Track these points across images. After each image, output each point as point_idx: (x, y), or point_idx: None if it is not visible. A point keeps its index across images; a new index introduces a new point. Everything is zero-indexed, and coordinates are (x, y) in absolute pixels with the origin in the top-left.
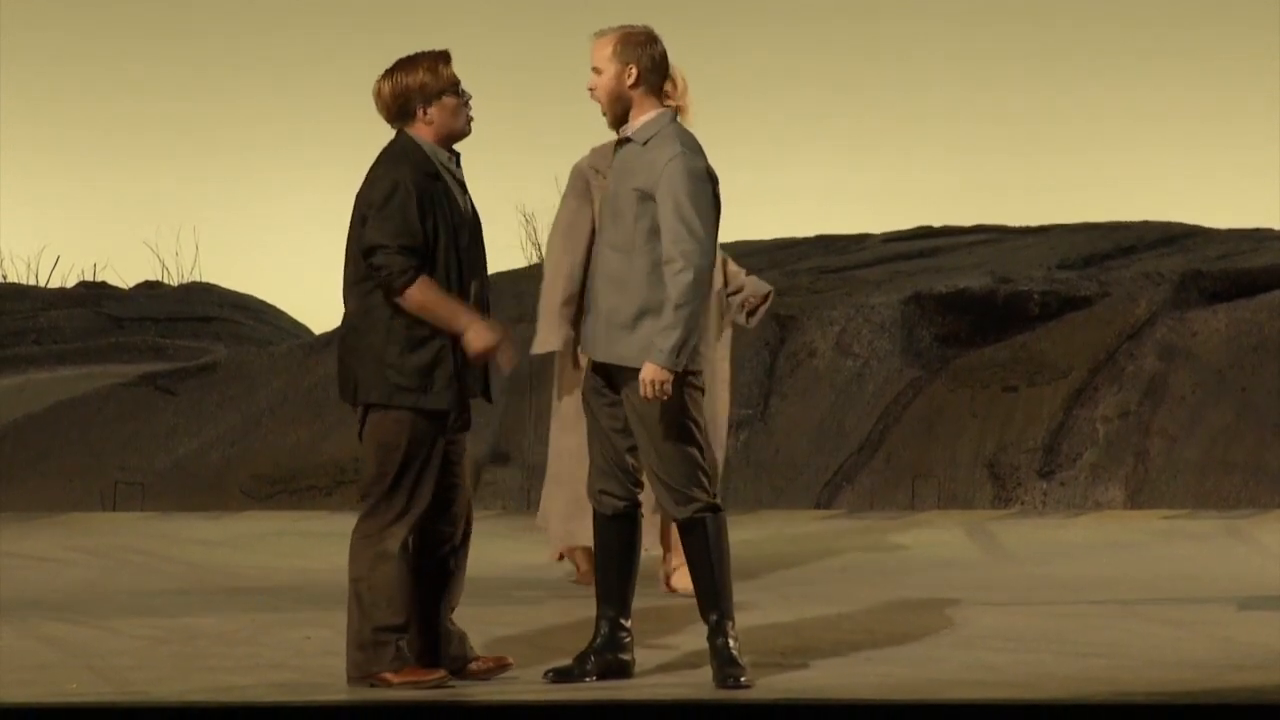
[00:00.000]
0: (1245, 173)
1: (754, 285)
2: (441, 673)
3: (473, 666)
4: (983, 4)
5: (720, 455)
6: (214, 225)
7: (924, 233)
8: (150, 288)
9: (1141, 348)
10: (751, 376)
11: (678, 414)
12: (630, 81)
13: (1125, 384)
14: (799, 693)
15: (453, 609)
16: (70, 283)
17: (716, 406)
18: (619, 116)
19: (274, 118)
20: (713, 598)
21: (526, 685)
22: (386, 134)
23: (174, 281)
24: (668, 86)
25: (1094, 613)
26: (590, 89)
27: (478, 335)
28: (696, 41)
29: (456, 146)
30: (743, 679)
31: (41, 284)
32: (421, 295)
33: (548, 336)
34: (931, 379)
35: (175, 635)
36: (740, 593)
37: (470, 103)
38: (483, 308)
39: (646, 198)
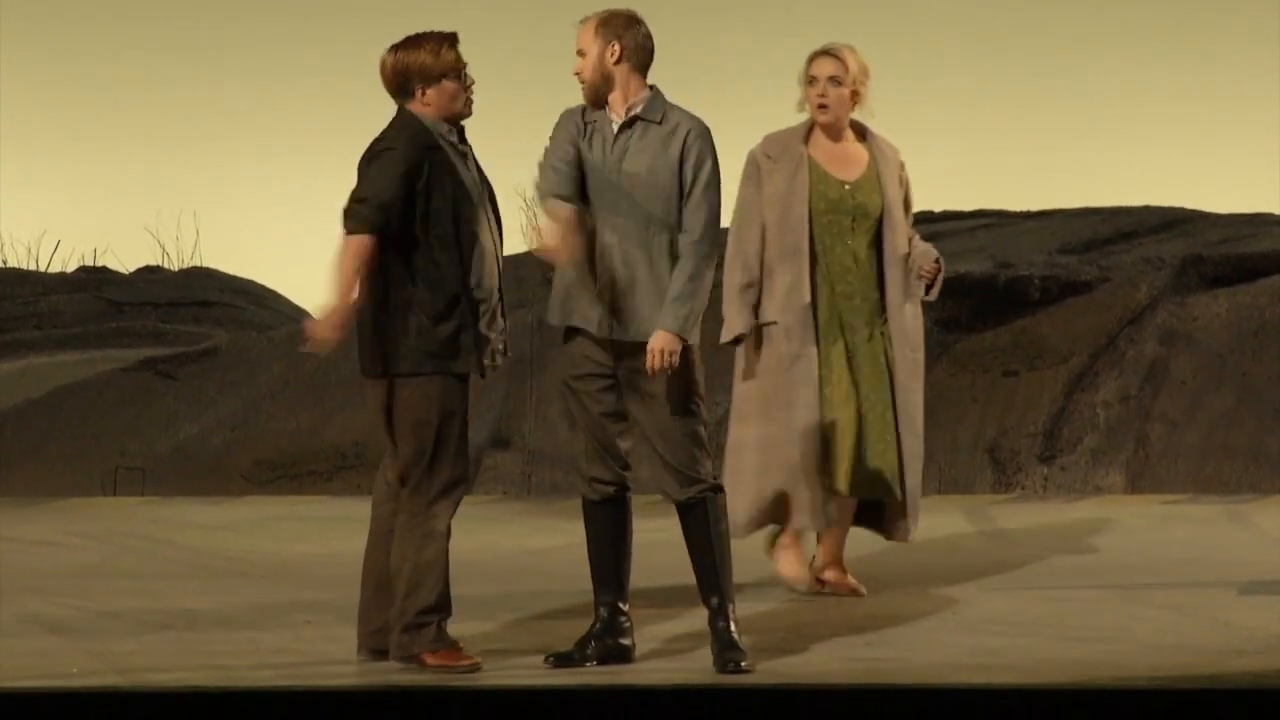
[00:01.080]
0: (1246, 157)
1: (922, 252)
2: (475, 659)
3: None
4: None
5: (918, 446)
6: (214, 210)
7: (924, 217)
8: (150, 272)
9: (1142, 333)
10: None
11: (684, 390)
12: (614, 59)
13: (1126, 369)
14: (800, 677)
15: None
16: (70, 267)
17: (910, 395)
18: (602, 96)
19: (274, 102)
20: (713, 580)
21: (527, 670)
22: (387, 116)
23: (174, 266)
24: (858, 77)
25: (1095, 598)
26: (576, 73)
27: (323, 319)
28: (694, 22)
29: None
30: (743, 663)
31: (42, 269)
32: (346, 250)
33: (733, 323)
34: (932, 364)
35: (176, 620)
36: (739, 578)
37: (472, 86)
38: (496, 272)
39: (669, 173)
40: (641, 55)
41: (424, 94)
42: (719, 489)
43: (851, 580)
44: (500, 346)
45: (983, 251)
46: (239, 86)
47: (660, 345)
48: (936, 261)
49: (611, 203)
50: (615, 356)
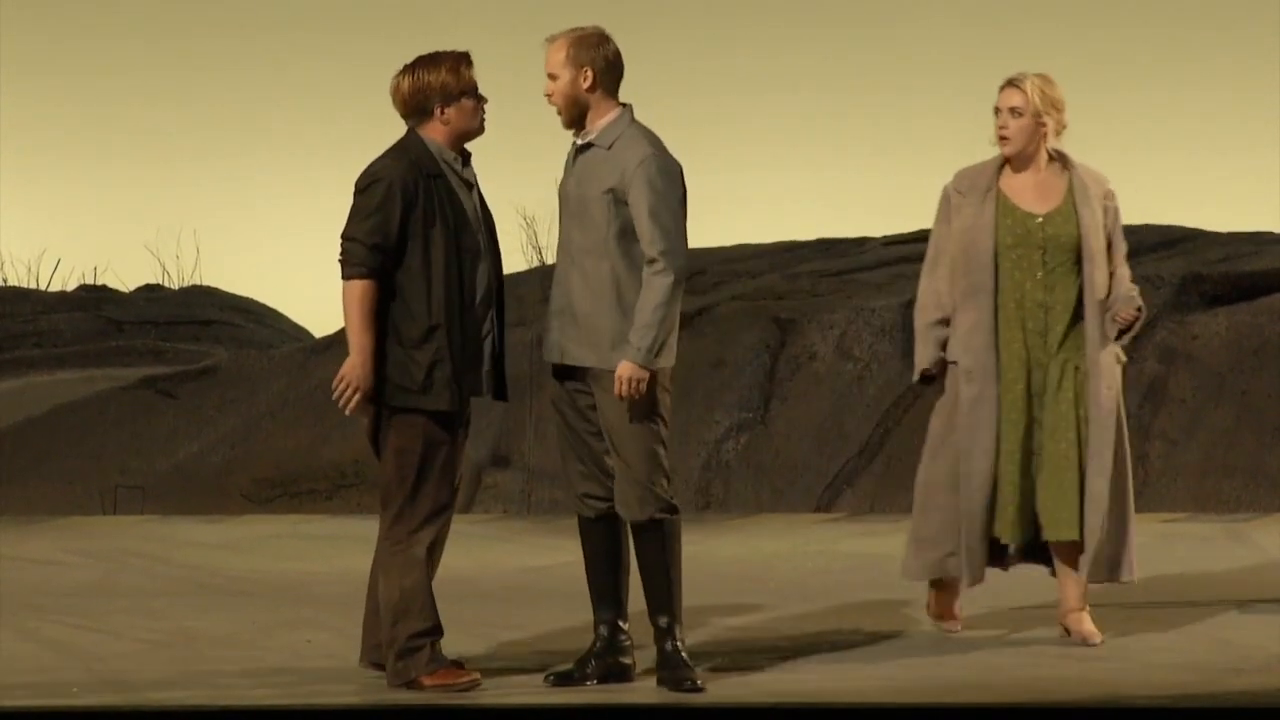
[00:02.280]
0: (1245, 176)
1: (1124, 297)
2: (473, 675)
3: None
4: (984, 7)
5: (1102, 486)
6: (214, 228)
7: (925, 235)
8: (150, 291)
9: (1142, 350)
10: (752, 379)
11: (646, 413)
12: (586, 85)
13: (1126, 387)
14: (800, 696)
15: None
16: (71, 286)
17: (1102, 433)
18: (576, 120)
19: (274, 121)
20: (665, 601)
21: (527, 689)
22: (390, 136)
23: (174, 285)
24: (1042, 107)
25: (1094, 615)
26: (547, 95)
27: (352, 365)
28: (698, 42)
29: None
30: (698, 682)
31: (42, 287)
32: (352, 297)
33: (920, 360)
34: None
35: (176, 638)
36: (741, 596)
37: (486, 104)
38: (496, 304)
39: (618, 201)
40: (612, 75)
41: (443, 113)
42: (675, 509)
43: (1087, 627)
44: (491, 377)
45: None
46: (239, 105)
47: (626, 374)
48: (1138, 310)
49: (566, 228)
50: (586, 377)
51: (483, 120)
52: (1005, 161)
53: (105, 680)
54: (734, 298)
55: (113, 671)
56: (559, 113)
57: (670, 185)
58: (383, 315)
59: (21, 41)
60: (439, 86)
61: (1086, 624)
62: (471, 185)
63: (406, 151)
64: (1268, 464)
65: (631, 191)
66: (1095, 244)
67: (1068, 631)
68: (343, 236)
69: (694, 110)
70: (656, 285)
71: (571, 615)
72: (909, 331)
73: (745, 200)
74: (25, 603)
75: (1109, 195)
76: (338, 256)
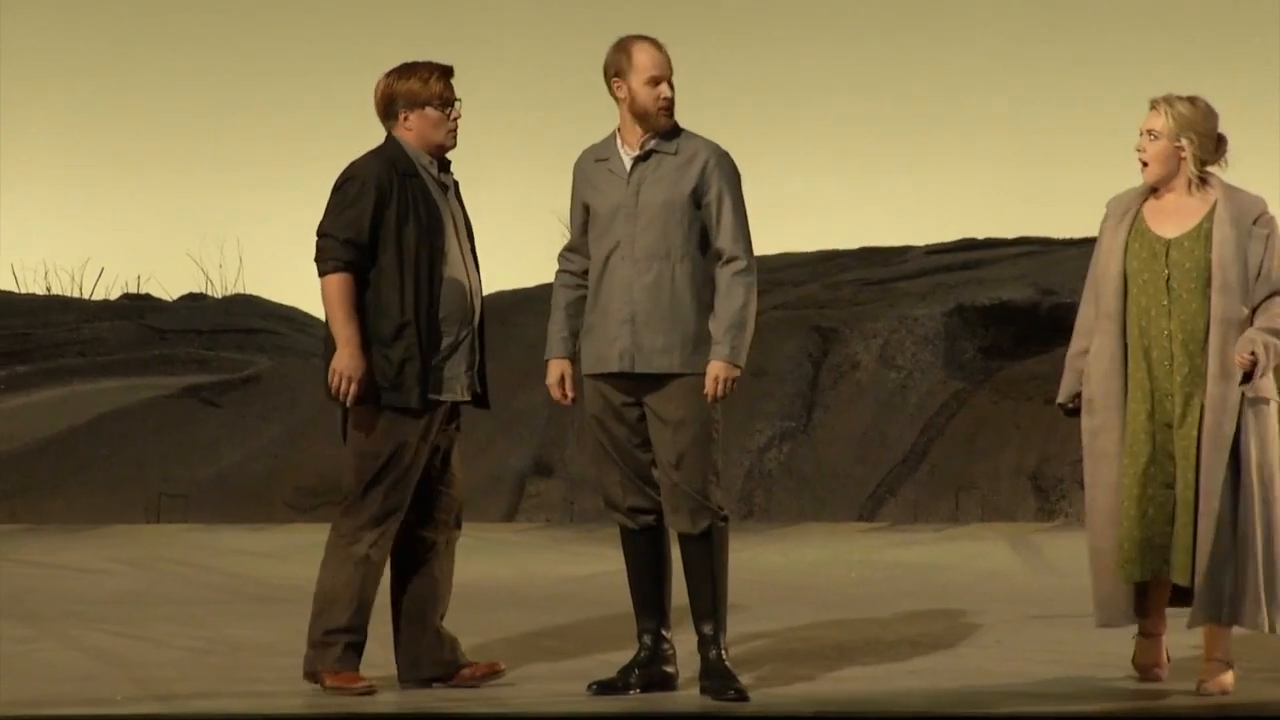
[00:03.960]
0: None
1: (1248, 338)
2: (366, 682)
3: (464, 672)
4: (1027, 17)
5: (1208, 525)
6: (257, 237)
7: (967, 245)
8: (194, 300)
9: None
10: (794, 388)
11: (704, 419)
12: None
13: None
14: (844, 705)
15: (441, 616)
16: (114, 295)
17: (1213, 471)
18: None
19: (317, 130)
20: (710, 609)
21: (571, 697)
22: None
23: (217, 294)
24: (1179, 130)
25: (1136, 626)
26: (670, 99)
27: (341, 358)
28: (742, 53)
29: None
30: (742, 691)
31: (85, 296)
32: (332, 290)
33: (1062, 390)
34: (974, 391)
35: (218, 646)
36: (783, 605)
37: (457, 120)
38: (469, 307)
39: (696, 203)
40: None
41: (407, 119)
42: (726, 519)
43: (1214, 679)
44: (468, 381)
45: (1025, 279)
46: (282, 115)
47: (719, 373)
48: (1252, 354)
49: (629, 236)
50: (640, 387)
51: (450, 132)
52: (1153, 186)
53: (148, 688)
54: (776, 307)
55: (155, 680)
56: (671, 114)
57: (740, 185)
58: (359, 310)
59: (64, 52)
60: (405, 93)
61: (1214, 674)
62: (448, 189)
63: (383, 152)
64: None
65: (711, 190)
66: (1229, 272)
67: (1207, 692)
68: (318, 232)
69: (736, 119)
70: (743, 284)
71: (615, 624)
72: (951, 340)
73: (787, 209)
74: (68, 611)
75: (1263, 220)
76: (313, 254)
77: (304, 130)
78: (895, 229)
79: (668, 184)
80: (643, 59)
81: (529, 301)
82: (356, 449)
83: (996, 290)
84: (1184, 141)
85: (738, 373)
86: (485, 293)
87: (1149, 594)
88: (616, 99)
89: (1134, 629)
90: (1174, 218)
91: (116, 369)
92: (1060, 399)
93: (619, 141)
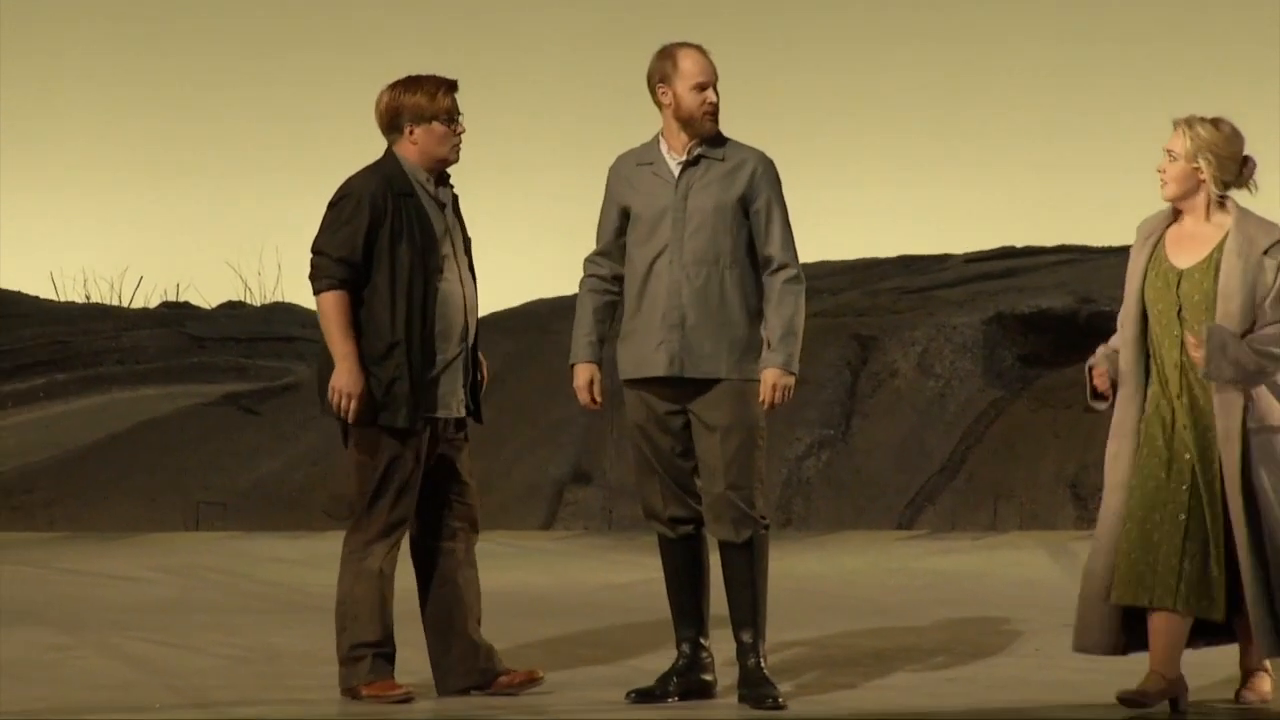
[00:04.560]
0: None
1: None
2: (403, 690)
3: (502, 680)
4: (1065, 23)
5: (1249, 558)
6: (296, 245)
7: (1006, 253)
8: (232, 308)
9: None
10: (833, 396)
11: (751, 426)
12: None
13: None
14: (882, 713)
15: (478, 621)
16: (153, 303)
17: (1233, 501)
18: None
19: (355, 137)
20: (749, 617)
21: (609, 705)
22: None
23: (256, 301)
24: (1196, 152)
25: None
26: (715, 103)
27: (339, 375)
28: (781, 61)
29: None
30: (780, 699)
31: (124, 304)
32: (328, 307)
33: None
34: (1013, 399)
35: (257, 655)
36: (822, 613)
37: (462, 134)
38: (464, 324)
39: (745, 209)
40: None
41: (412, 133)
42: (767, 527)
43: (1259, 686)
44: (463, 396)
45: (1064, 287)
46: (321, 122)
47: (775, 381)
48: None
49: (677, 241)
50: (685, 394)
51: (454, 147)
52: (1174, 206)
53: (187, 696)
54: (815, 314)
55: (194, 688)
56: (716, 120)
57: (783, 192)
58: (354, 328)
59: (102, 58)
60: (411, 107)
61: (1254, 684)
62: (444, 205)
63: (381, 169)
64: None
65: (760, 197)
66: (1232, 303)
67: (1246, 701)
68: (312, 249)
69: (775, 126)
70: (794, 293)
71: (653, 632)
72: (990, 348)
73: (826, 216)
74: (107, 619)
75: (1274, 250)
76: (309, 268)
77: (343, 137)
78: (934, 237)
79: (717, 190)
80: (688, 65)
81: (568, 309)
82: (356, 464)
83: (1035, 298)
84: (1201, 163)
85: (793, 380)
86: (522, 301)
87: (1150, 627)
88: (661, 105)
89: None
90: (1190, 246)
91: (155, 377)
92: (1092, 362)
93: (663, 146)
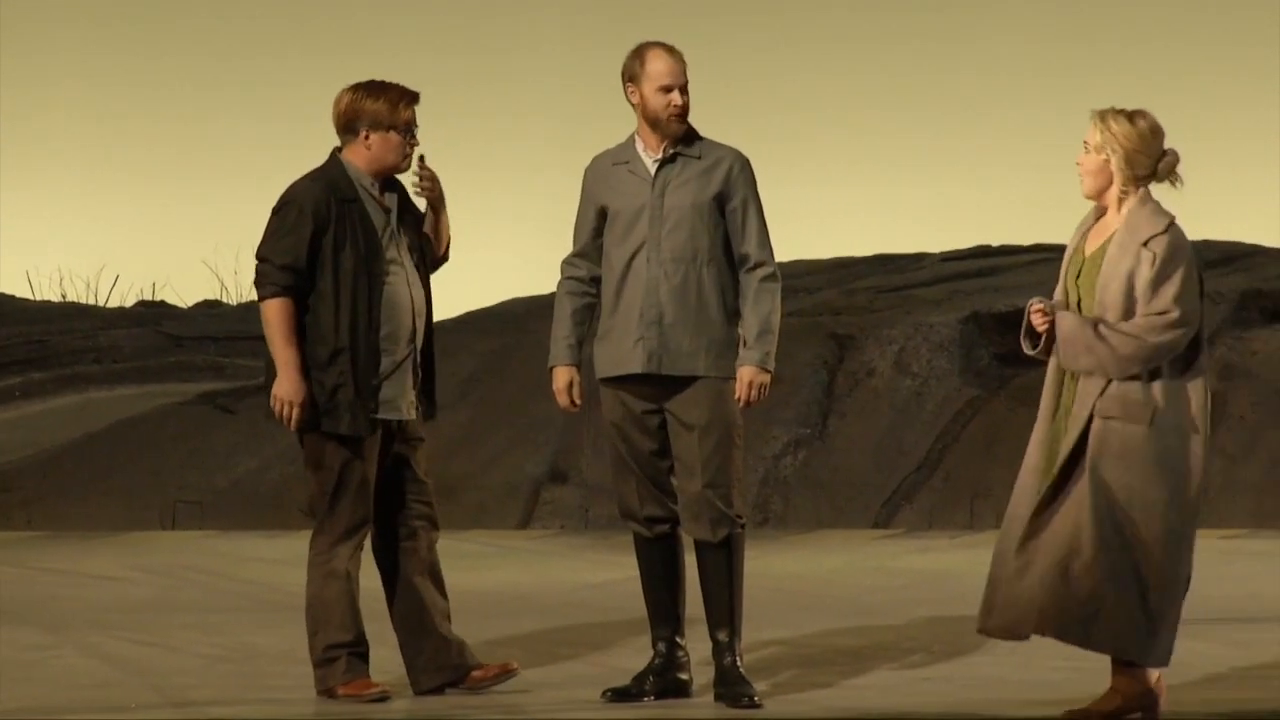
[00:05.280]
0: None
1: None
2: (379, 688)
3: (475, 674)
4: (1040, 24)
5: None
6: None
7: (982, 251)
8: (209, 307)
9: None
10: (810, 395)
11: (734, 424)
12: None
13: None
14: (859, 712)
15: (446, 616)
16: (129, 302)
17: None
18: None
19: (333, 139)
20: (726, 615)
21: (586, 705)
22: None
23: (233, 300)
24: (1109, 144)
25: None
26: (684, 106)
27: (281, 384)
28: (757, 61)
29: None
30: (756, 698)
31: (101, 303)
32: (270, 315)
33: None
34: (990, 398)
35: (235, 654)
36: (798, 611)
37: (414, 149)
38: (412, 328)
39: (722, 207)
40: None
41: (368, 138)
42: (743, 525)
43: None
44: (412, 399)
45: (1041, 286)
46: (297, 122)
47: (752, 378)
48: (1048, 319)
49: (654, 239)
50: (662, 392)
51: (407, 158)
52: (1091, 199)
53: (165, 695)
54: (792, 313)
55: (172, 687)
56: (685, 122)
57: (758, 191)
58: (299, 335)
59: (80, 60)
60: (371, 112)
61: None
62: (389, 210)
63: (325, 174)
64: None
65: (737, 195)
66: (1107, 294)
67: None
68: (256, 256)
69: (752, 126)
70: (771, 291)
71: (630, 631)
72: (967, 347)
73: (802, 215)
74: (87, 619)
75: (1154, 242)
76: (254, 275)
77: (319, 138)
78: (911, 236)
79: (694, 187)
80: (654, 66)
81: (545, 308)
82: (311, 469)
83: (1012, 297)
84: (1109, 156)
85: (769, 378)
86: (499, 300)
87: None
88: (632, 104)
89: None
90: (1097, 239)
91: (132, 376)
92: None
93: (639, 145)
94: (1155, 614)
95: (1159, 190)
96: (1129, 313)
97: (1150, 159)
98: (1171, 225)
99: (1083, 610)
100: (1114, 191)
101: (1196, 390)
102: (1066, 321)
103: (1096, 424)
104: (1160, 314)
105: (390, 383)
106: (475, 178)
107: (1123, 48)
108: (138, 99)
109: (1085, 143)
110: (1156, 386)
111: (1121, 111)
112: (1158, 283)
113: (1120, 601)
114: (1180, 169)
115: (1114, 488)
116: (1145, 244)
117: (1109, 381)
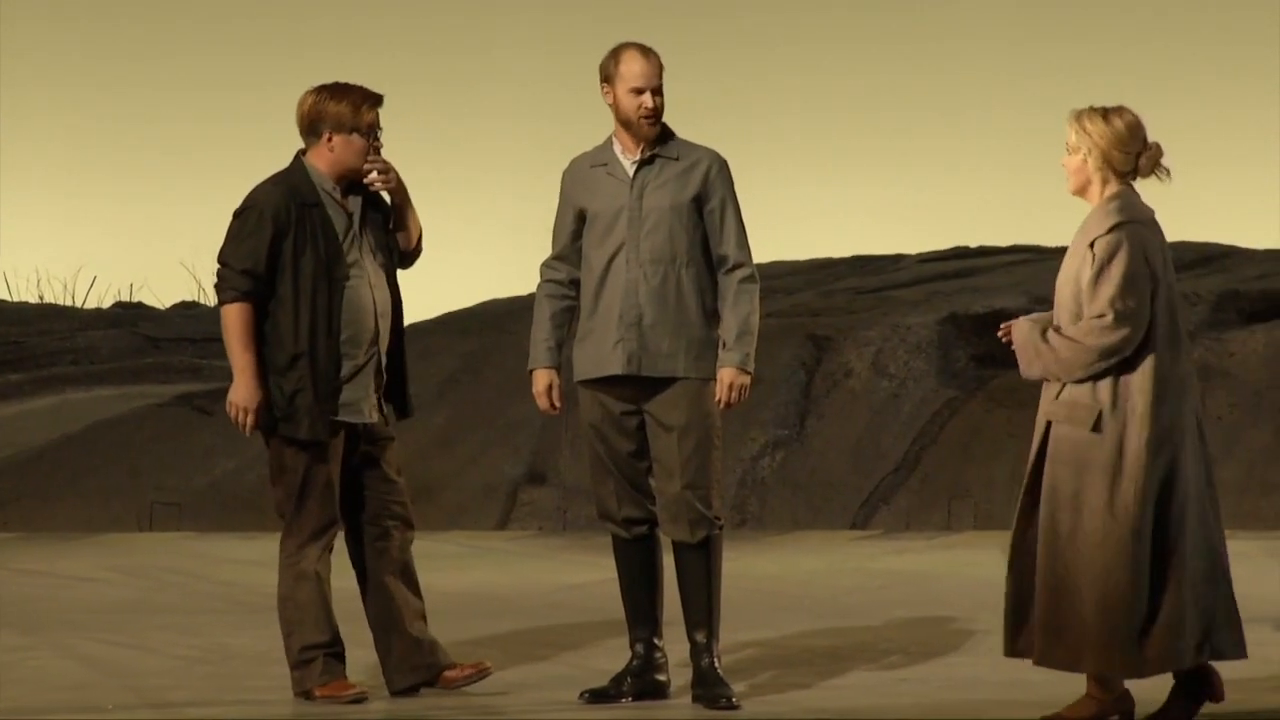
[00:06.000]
0: None
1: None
2: (356, 689)
3: (448, 674)
4: (1018, 25)
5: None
6: None
7: (960, 253)
8: (187, 308)
9: None
10: (788, 396)
11: (713, 425)
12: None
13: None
14: (837, 713)
15: (421, 616)
16: (107, 303)
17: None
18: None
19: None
20: (704, 617)
21: (564, 705)
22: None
23: (210, 302)
24: (1087, 146)
25: None
26: (656, 109)
27: (236, 389)
28: (736, 62)
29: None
30: (734, 699)
31: (78, 304)
32: (229, 320)
33: None
34: (968, 399)
35: (212, 655)
36: (777, 613)
37: (380, 151)
38: (375, 330)
39: (700, 208)
40: None
41: (330, 140)
42: (721, 526)
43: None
44: (375, 401)
45: (1019, 287)
46: (275, 123)
47: (731, 380)
48: (1006, 333)
49: (633, 240)
50: (641, 393)
51: (370, 161)
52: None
53: (142, 696)
54: (770, 314)
55: (149, 688)
56: (657, 124)
57: (735, 190)
58: (259, 340)
59: (57, 61)
60: (334, 115)
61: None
62: (352, 214)
63: (286, 178)
64: None
65: (715, 197)
66: (1062, 292)
67: None
68: (217, 259)
69: (730, 127)
70: (751, 292)
71: (608, 632)
72: (945, 348)
73: (781, 217)
74: (63, 620)
75: (1099, 242)
76: (215, 278)
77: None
78: (889, 237)
79: (673, 189)
80: (626, 68)
81: (524, 310)
82: (276, 472)
83: (990, 298)
84: (1084, 155)
85: (749, 379)
86: (478, 301)
87: None
88: (609, 105)
89: None
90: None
91: (109, 377)
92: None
93: (617, 147)
94: (1111, 622)
95: (1146, 187)
96: (1079, 315)
97: (1128, 156)
98: (1119, 225)
99: (1043, 627)
100: (1094, 191)
101: (1144, 392)
102: (1019, 330)
103: (1052, 430)
104: (1097, 317)
105: (351, 386)
106: (453, 179)
107: (1098, 48)
108: (115, 101)
109: (1067, 143)
110: (1103, 390)
111: (1098, 110)
112: (1095, 284)
113: (1067, 613)
114: (1166, 161)
115: (1062, 494)
116: (1091, 245)
117: (1063, 386)
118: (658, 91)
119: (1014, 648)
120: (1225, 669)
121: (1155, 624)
